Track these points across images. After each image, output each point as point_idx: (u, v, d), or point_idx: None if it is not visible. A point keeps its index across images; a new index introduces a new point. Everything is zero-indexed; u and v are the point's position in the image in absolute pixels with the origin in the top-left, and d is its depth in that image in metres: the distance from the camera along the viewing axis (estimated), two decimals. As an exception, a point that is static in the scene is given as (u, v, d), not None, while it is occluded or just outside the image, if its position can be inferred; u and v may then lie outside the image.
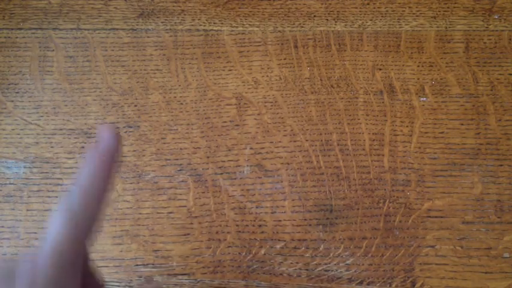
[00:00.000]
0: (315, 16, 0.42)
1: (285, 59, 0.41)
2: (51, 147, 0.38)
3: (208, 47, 0.41)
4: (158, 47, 0.41)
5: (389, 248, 0.36)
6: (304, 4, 0.42)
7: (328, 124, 0.39)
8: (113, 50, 0.41)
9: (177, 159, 0.38)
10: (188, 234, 0.36)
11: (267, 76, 0.40)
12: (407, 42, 0.41)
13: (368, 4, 0.42)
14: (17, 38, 0.41)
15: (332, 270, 0.35)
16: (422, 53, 0.41)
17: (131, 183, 0.37)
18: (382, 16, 0.42)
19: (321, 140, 0.38)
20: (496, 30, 0.41)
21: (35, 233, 0.36)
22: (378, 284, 0.35)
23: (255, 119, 0.39)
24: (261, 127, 0.39)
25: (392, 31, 0.41)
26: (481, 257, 0.35)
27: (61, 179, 0.38)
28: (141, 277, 0.35)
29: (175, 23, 0.42)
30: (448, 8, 0.42)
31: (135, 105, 0.39)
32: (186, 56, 0.41)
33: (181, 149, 0.38)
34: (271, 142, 0.38)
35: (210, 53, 0.41)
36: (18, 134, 0.39)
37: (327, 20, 0.42)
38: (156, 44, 0.41)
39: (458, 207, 0.37)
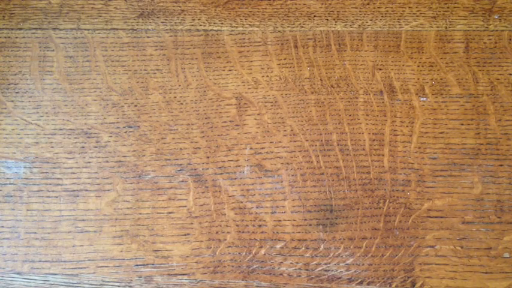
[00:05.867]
0: (315, 16, 0.42)
1: (285, 59, 0.41)
2: (51, 147, 0.38)
3: (208, 47, 0.41)
4: (158, 47, 0.41)
5: (389, 248, 0.36)
6: (304, 4, 0.42)
7: (328, 124, 0.39)
8: (113, 50, 0.41)
9: (177, 159, 0.38)
10: (188, 234, 0.36)
11: (267, 76, 0.40)
12: (407, 42, 0.41)
13: (368, 4, 0.42)
14: (17, 38, 0.41)
15: (332, 270, 0.35)
16: (422, 53, 0.41)
17: (131, 183, 0.37)
18: (382, 16, 0.42)
19: (321, 140, 0.38)
20: (496, 30, 0.41)
21: (35, 233, 0.36)
22: (378, 284, 0.35)
23: (255, 119, 0.39)
24: (261, 127, 0.39)
25: (393, 31, 0.41)
26: (481, 257, 0.35)
27: (61, 179, 0.38)
28: (141, 277, 0.35)
29: (175, 23, 0.42)
30: (448, 8, 0.42)
31: (135, 105, 0.39)
32: (186, 56, 0.41)
33: (181, 149, 0.38)
34: (271, 142, 0.38)
35: (210, 53, 0.41)
36: (18, 134, 0.39)
37: (327, 20, 0.42)
38: (156, 44, 0.41)
39: (458, 207, 0.37)
